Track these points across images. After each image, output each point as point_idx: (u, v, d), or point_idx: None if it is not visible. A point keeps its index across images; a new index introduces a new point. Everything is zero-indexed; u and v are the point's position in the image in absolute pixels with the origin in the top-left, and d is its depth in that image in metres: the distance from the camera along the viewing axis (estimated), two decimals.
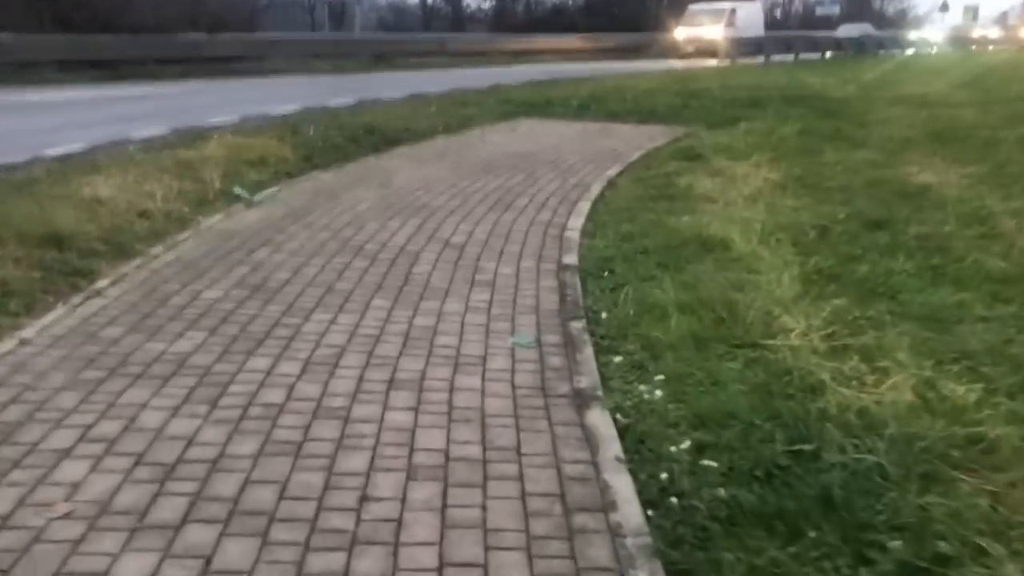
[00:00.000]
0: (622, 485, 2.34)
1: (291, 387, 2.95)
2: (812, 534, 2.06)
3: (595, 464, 2.46)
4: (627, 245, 4.92)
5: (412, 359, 3.22)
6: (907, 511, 2.12)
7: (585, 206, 6.13)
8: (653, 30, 36.72)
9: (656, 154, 8.55)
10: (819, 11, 58.32)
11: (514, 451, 2.53)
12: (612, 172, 7.52)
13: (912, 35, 48.57)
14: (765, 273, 4.07)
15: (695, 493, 2.28)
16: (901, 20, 68.63)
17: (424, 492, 2.28)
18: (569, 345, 3.41)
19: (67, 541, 2.04)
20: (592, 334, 3.53)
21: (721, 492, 2.26)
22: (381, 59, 27.74)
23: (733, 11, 31.81)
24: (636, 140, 9.61)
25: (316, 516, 2.16)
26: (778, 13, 64.99)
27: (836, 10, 57.88)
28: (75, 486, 2.28)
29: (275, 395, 2.88)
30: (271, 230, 5.16)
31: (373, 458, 2.46)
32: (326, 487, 2.30)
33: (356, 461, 2.44)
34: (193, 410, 2.75)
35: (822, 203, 5.62)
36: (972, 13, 73.31)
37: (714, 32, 29.28)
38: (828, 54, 30.87)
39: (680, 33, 31.37)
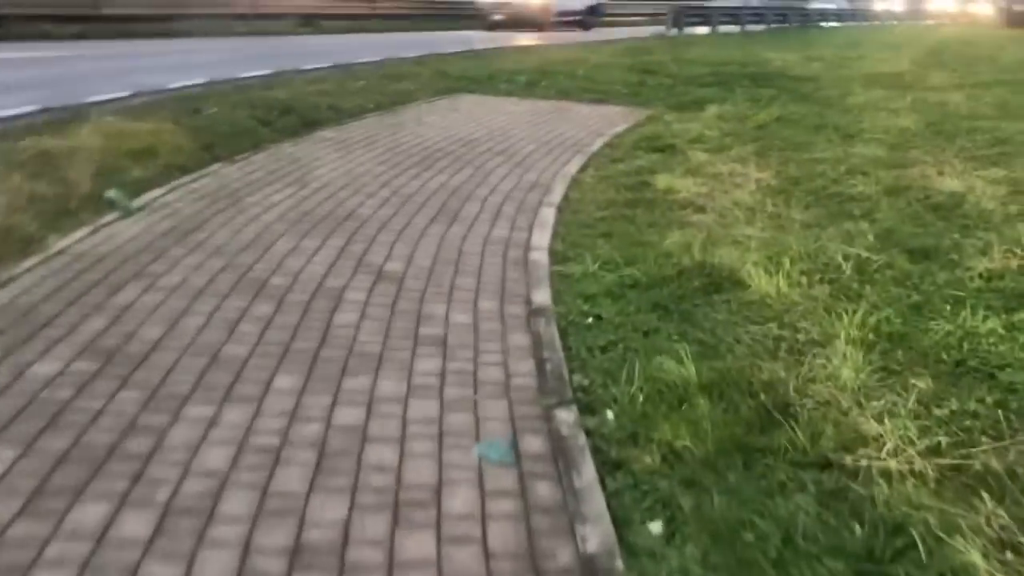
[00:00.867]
0: None
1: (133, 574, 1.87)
2: None
3: None
4: (610, 276, 3.93)
5: (328, 499, 2.17)
6: None
7: (549, 214, 5.12)
8: None
9: (620, 143, 7.56)
10: None
11: None
12: (574, 167, 6.51)
13: (877, 7, 48.36)
14: (804, 330, 3.13)
15: None
16: None
17: None
18: (560, 459, 2.41)
19: None
20: (589, 434, 2.54)
21: None
22: (308, 22, 26.05)
23: None
24: (594, 124, 8.61)
25: None
26: None
27: None
28: None
29: None
30: (148, 254, 3.99)
31: None
32: None
33: None
34: None
35: (839, 218, 4.72)
36: None
37: None
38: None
39: None
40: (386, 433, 2.50)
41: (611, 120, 8.89)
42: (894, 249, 4.01)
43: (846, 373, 2.72)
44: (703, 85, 11.22)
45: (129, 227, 4.41)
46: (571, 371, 2.96)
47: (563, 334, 3.31)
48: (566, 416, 2.64)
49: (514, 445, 2.48)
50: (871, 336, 3.02)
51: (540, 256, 4.30)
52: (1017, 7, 60.68)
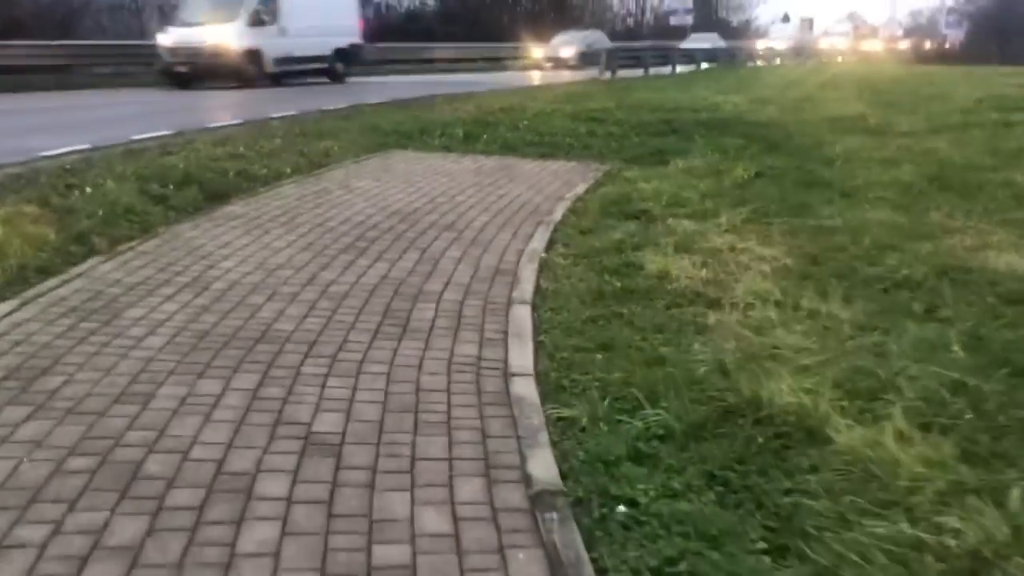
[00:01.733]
0: None
1: None
2: None
3: None
4: (630, 422, 2.90)
5: None
6: None
7: (524, 316, 4.08)
8: (511, 40, 36.32)
9: (585, 208, 6.62)
10: (673, 21, 58.93)
11: None
12: (538, 242, 5.51)
13: (759, 45, 49.34)
14: (954, 529, 2.14)
15: None
16: (745, 31, 70.48)
17: None
18: None
19: None
20: None
21: None
22: None
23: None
24: (549, 184, 7.66)
25: None
26: (631, 23, 65.50)
27: (690, 20, 58.47)
28: None
29: None
30: None
31: None
32: None
33: None
34: None
35: (897, 315, 3.80)
36: (808, 24, 77.25)
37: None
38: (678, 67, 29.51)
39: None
40: None
41: (566, 179, 7.96)
42: (1004, 370, 3.08)
43: None
44: (657, 134, 10.44)
45: None
46: None
47: (589, 544, 2.25)
48: None
49: None
50: None
51: (526, 389, 3.24)
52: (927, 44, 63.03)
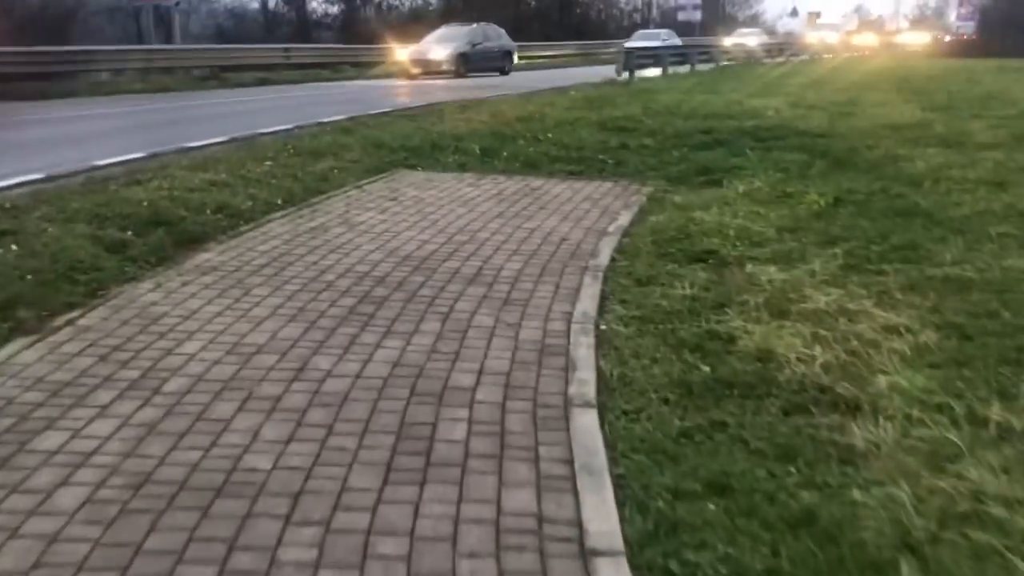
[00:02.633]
0: None
1: None
2: None
3: None
4: None
5: None
6: None
7: (590, 431, 3.00)
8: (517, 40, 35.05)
9: (635, 247, 5.53)
10: (681, 16, 57.73)
11: None
12: (588, 301, 4.43)
13: (728, 42, 40.31)
14: None
15: None
16: (753, 25, 68.29)
17: None
18: None
19: None
20: None
21: None
22: (214, 74, 23.76)
23: None
24: (586, 213, 6.58)
25: None
26: (637, 18, 64.05)
27: (698, 16, 57.24)
28: None
29: None
30: None
31: None
32: None
33: None
34: None
35: None
36: (815, 17, 75.48)
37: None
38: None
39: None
40: None
41: (605, 205, 6.88)
42: None
43: None
44: (699, 147, 9.35)
45: None
46: None
47: None
48: None
49: None
50: None
51: None
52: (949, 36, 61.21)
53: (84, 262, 4.60)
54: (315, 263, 5.04)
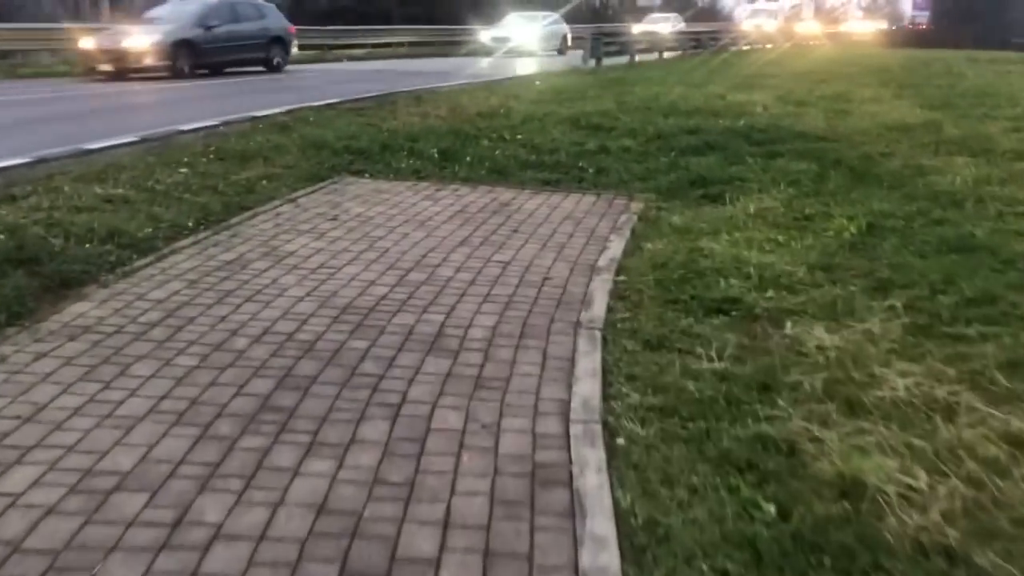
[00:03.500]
0: None
1: None
2: None
3: None
4: None
5: None
6: None
7: None
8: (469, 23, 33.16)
9: (637, 291, 4.48)
10: (641, 1, 56.87)
11: None
12: (588, 382, 3.36)
13: (636, 30, 35.69)
14: None
15: None
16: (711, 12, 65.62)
17: None
18: None
19: None
20: None
21: None
22: None
23: None
24: (568, 239, 5.51)
25: None
26: (596, 3, 62.66)
27: (658, 1, 56.33)
28: None
29: None
30: None
31: None
32: None
33: None
34: None
35: None
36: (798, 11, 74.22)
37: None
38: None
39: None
40: None
41: (590, 227, 5.81)
42: None
43: None
44: (689, 151, 8.32)
45: None
46: None
47: None
48: None
49: None
50: None
51: None
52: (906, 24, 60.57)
53: None
54: (224, 318, 3.89)
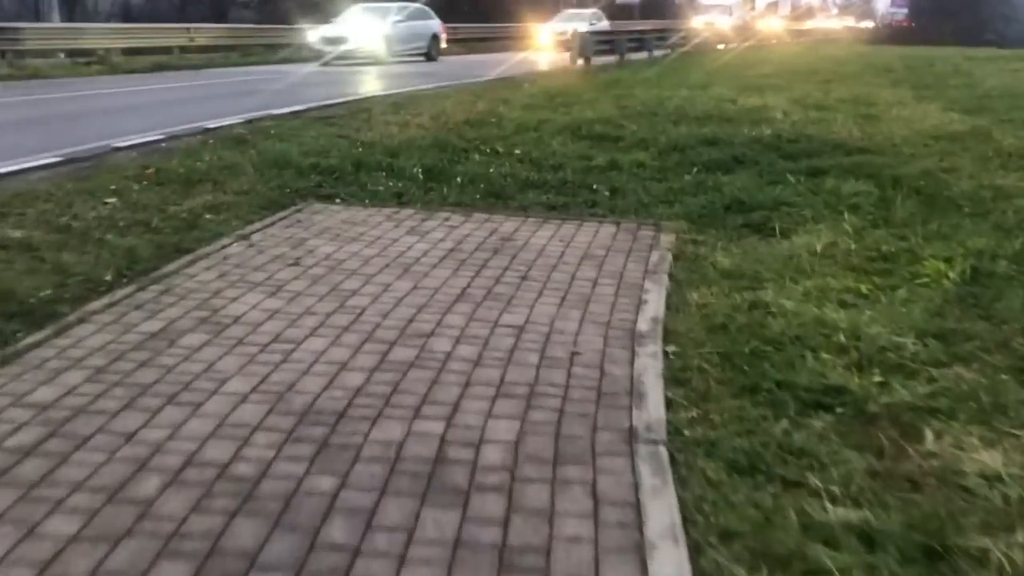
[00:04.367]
0: None
1: None
2: None
3: None
4: None
5: None
6: None
7: None
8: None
9: (699, 371, 3.40)
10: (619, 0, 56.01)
11: None
12: (667, 553, 2.25)
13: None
14: None
15: None
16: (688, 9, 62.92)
17: None
18: None
19: None
20: None
21: None
22: (99, 60, 20.82)
23: None
24: (593, 288, 4.41)
25: None
26: (574, 1, 61.54)
27: None
28: None
29: None
30: None
31: None
32: None
33: None
34: None
35: None
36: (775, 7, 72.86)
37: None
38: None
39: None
40: None
41: (616, 269, 4.72)
42: None
43: None
44: (714, 166, 7.27)
45: None
46: None
47: None
48: None
49: None
50: None
51: None
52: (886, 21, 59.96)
53: None
54: (131, 437, 2.75)
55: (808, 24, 59.93)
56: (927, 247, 4.71)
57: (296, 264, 4.68)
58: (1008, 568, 2.16)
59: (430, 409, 3.02)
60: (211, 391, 3.10)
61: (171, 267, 4.52)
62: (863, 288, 4.22)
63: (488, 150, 7.79)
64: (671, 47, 26.76)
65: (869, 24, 62.31)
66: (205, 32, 26.00)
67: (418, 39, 24.12)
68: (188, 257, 4.70)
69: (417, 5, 25.25)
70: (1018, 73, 18.62)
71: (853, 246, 4.85)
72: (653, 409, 3.06)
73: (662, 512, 2.42)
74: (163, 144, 7.68)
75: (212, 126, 8.81)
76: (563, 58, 21.56)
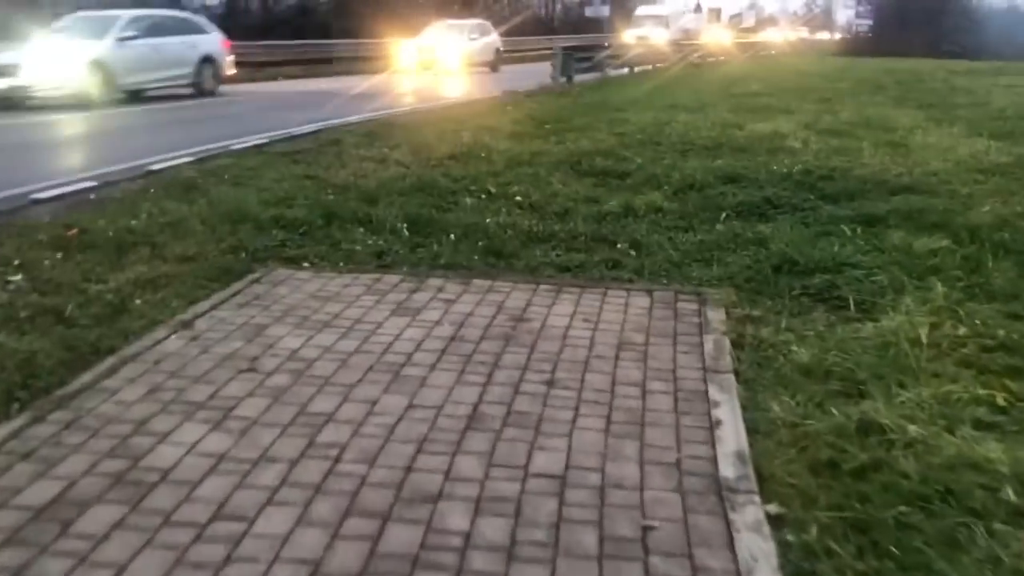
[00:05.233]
0: None
1: None
2: None
3: None
4: None
5: None
6: None
7: None
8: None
9: (824, 546, 2.38)
10: (589, 12, 55.27)
11: None
12: None
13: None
14: None
15: None
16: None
17: None
18: None
19: None
20: None
21: None
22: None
23: None
24: (639, 400, 3.37)
25: None
26: (542, 14, 60.67)
27: (606, 11, 54.36)
28: None
29: None
30: None
31: None
32: None
33: None
34: None
35: None
36: (716, 15, 72.21)
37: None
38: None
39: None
40: None
41: (663, 365, 3.69)
42: None
43: None
44: (747, 212, 6.29)
45: None
46: None
47: None
48: None
49: None
50: None
51: None
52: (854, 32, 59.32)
53: None
54: None
55: (759, 36, 58.57)
56: None
57: (252, 370, 3.59)
58: None
59: None
60: None
61: (84, 380, 3.42)
62: (999, 399, 3.23)
63: (479, 191, 6.74)
64: (598, 66, 22.11)
65: (825, 36, 61.80)
66: None
67: (175, 64, 16.41)
68: (109, 362, 3.60)
69: (171, 13, 17.95)
70: (1017, 89, 18.00)
71: (962, 329, 3.86)
72: None
73: None
74: (91, 196, 6.50)
75: (159, 167, 7.66)
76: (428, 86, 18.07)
